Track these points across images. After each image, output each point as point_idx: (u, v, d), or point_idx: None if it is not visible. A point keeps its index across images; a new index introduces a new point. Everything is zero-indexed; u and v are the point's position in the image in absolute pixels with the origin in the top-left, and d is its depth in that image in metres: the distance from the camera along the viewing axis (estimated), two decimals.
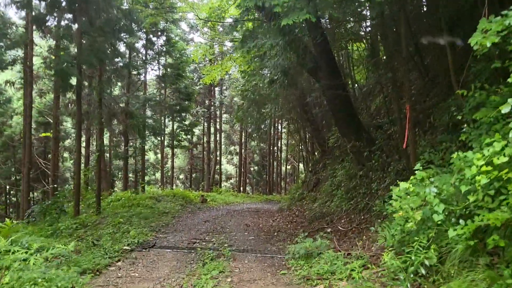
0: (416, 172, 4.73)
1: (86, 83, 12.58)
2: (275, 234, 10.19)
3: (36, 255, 4.94)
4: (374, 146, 9.61)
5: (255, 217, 15.36)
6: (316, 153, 19.37)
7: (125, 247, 7.68)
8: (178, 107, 22.24)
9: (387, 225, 5.28)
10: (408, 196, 4.50)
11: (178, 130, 24.27)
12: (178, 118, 22.76)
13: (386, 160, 8.99)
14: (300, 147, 20.46)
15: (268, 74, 12.53)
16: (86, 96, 15.86)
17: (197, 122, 28.86)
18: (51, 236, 9.12)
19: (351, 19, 10.50)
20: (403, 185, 4.54)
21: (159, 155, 33.93)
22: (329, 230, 9.14)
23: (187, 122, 25.52)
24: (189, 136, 28.37)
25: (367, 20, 11.14)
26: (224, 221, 13.77)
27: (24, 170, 16.41)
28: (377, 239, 6.83)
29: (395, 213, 4.58)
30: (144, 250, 7.91)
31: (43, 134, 19.94)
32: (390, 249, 5.07)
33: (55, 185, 15.11)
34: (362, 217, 8.45)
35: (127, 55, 20.99)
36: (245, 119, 20.16)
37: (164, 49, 22.80)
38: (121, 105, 14.63)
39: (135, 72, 22.40)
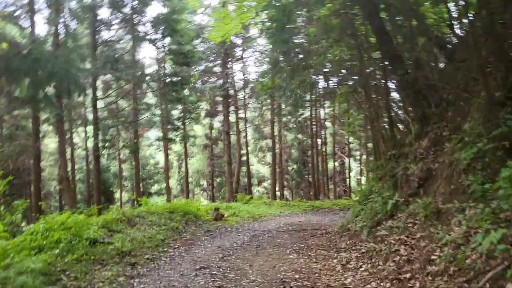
0: None
1: None
2: None
3: None
4: None
5: (303, 252, 7.65)
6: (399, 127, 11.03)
7: None
8: (173, 78, 14.69)
9: None
10: None
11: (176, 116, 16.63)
12: (173, 94, 15.10)
13: None
14: (369, 114, 11.71)
15: None
16: None
17: (203, 98, 21.03)
18: None
19: None
20: None
21: (170, 157, 26.60)
22: None
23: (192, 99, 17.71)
24: (191, 123, 20.39)
25: None
26: (236, 271, 6.12)
27: None
28: None
29: None
30: None
31: None
32: None
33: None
34: None
35: None
36: (277, 79, 12.33)
37: None
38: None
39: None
